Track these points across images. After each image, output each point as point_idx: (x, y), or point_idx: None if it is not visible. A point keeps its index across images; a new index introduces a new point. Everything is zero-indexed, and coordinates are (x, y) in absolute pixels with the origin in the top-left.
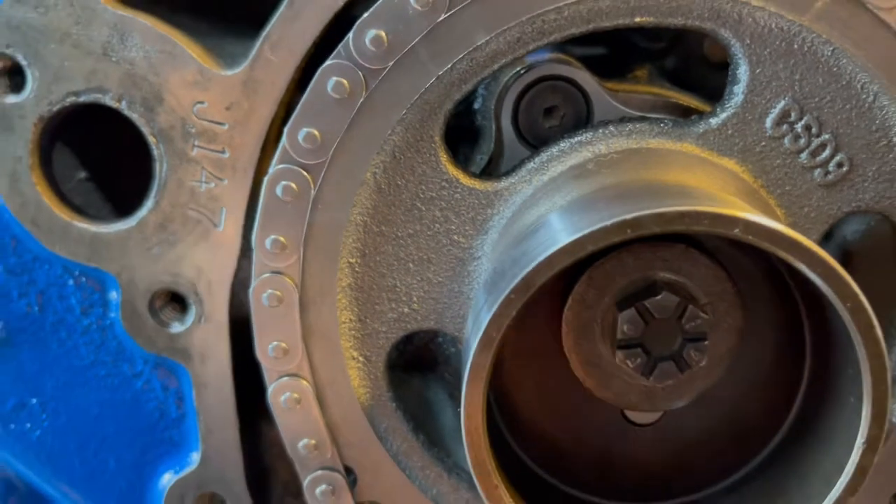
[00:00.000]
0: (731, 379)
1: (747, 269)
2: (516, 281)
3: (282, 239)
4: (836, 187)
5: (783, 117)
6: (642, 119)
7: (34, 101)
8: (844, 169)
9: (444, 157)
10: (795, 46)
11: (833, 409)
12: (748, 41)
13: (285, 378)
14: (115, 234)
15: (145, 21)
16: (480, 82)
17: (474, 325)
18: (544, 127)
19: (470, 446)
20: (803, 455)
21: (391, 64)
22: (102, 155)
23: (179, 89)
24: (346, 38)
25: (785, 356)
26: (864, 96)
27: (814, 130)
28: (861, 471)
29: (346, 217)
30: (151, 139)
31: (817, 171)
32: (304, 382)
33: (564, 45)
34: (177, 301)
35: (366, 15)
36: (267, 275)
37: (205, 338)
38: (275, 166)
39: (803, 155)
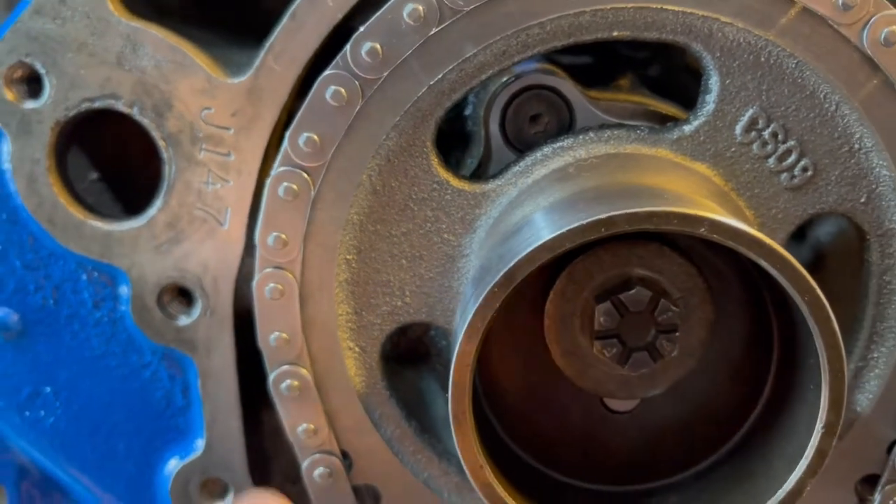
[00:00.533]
0: (704, 370)
1: (719, 268)
2: (500, 275)
3: (283, 236)
4: (802, 190)
5: (751, 125)
6: (620, 126)
7: (51, 106)
8: (809, 173)
9: (435, 160)
10: (762, 59)
11: (797, 397)
12: (718, 54)
13: (286, 366)
14: (126, 231)
15: (156, 32)
16: (469, 91)
17: (462, 317)
18: (530, 133)
19: (457, 427)
20: (770, 441)
21: (385, 74)
22: (114, 157)
23: (188, 96)
24: (343, 50)
25: (754, 349)
26: (826, 105)
27: (780, 137)
28: (820, 454)
29: (344, 216)
30: (161, 143)
31: (784, 176)
32: (304, 371)
33: (552, 55)
34: (184, 295)
35: (362, 29)
36: (269, 269)
37: (210, 330)
38: (277, 168)
39: (771, 160)
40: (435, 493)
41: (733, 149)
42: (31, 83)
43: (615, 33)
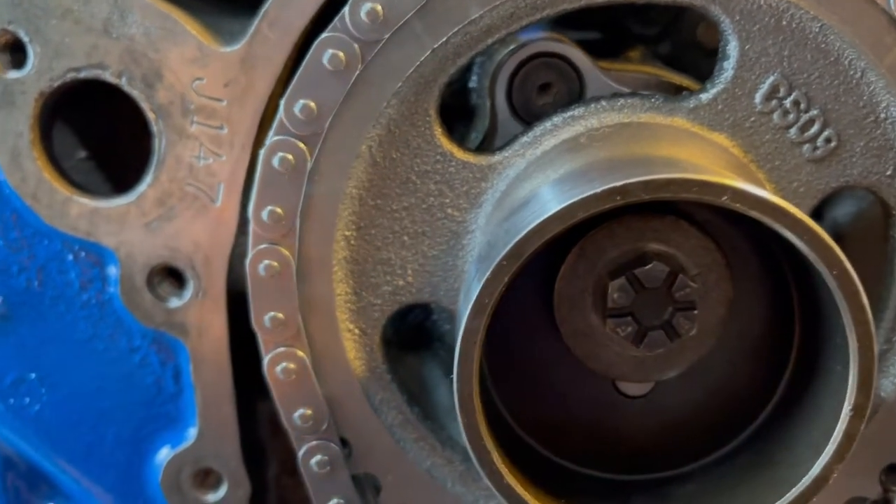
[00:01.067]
0: (722, 351)
1: (737, 244)
2: (509, 247)
3: (279, 210)
4: (825, 163)
5: (772, 93)
6: (634, 95)
7: (35, 76)
8: (833, 144)
9: (438, 130)
10: (784, 23)
11: (821, 379)
12: (738, 17)
13: (281, 348)
14: (114, 208)
15: None
16: (475, 57)
17: (467, 295)
18: (538, 104)
19: (462, 410)
20: (792, 426)
21: (387, 37)
22: (102, 135)
23: (178, 66)
24: (342, 12)
25: (774, 329)
26: (851, 72)
27: (802, 106)
28: (848, 438)
29: (342, 190)
30: (151, 115)
31: (806, 147)
32: (300, 353)
33: (560, 28)
34: (174, 276)
35: None
36: (263, 246)
37: (202, 313)
38: (272, 138)
39: (792, 130)
40: (438, 483)
41: (753, 118)
42: (14, 52)
43: None
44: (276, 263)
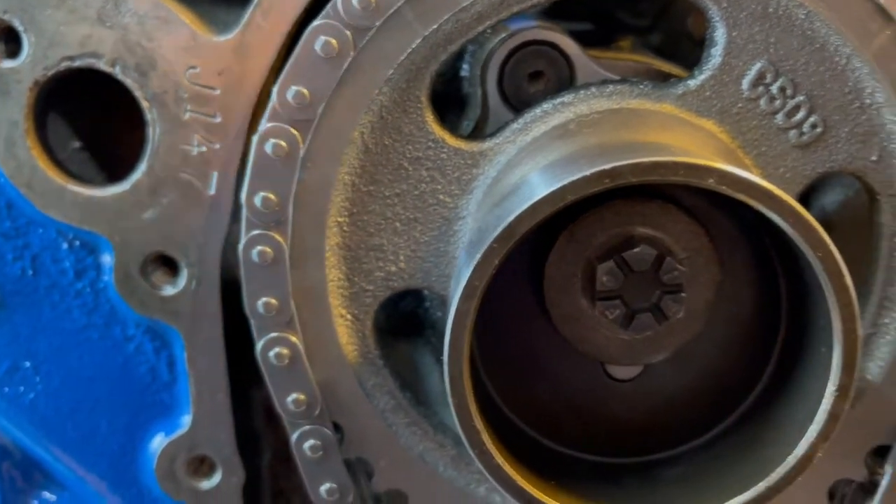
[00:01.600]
0: (710, 335)
1: (725, 228)
2: (499, 230)
3: (271, 196)
4: (811, 148)
5: (759, 79)
6: (623, 81)
7: (30, 65)
8: (818, 130)
9: (430, 117)
10: (770, 10)
11: (807, 362)
12: (725, 4)
13: (274, 333)
14: (108, 197)
15: None
16: (466, 44)
17: (458, 279)
18: (529, 91)
19: (453, 391)
20: (779, 408)
21: (378, 24)
22: (96, 125)
23: (172, 54)
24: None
25: (761, 313)
26: (836, 59)
27: (788, 92)
28: (833, 418)
29: (335, 176)
30: (144, 104)
31: (792, 133)
32: (293, 338)
33: (551, 19)
34: (169, 264)
35: None
36: (256, 232)
37: (196, 301)
38: (265, 124)
39: (779, 116)
40: (430, 467)
41: (740, 104)
42: (9, 41)
43: None
44: (268, 249)
